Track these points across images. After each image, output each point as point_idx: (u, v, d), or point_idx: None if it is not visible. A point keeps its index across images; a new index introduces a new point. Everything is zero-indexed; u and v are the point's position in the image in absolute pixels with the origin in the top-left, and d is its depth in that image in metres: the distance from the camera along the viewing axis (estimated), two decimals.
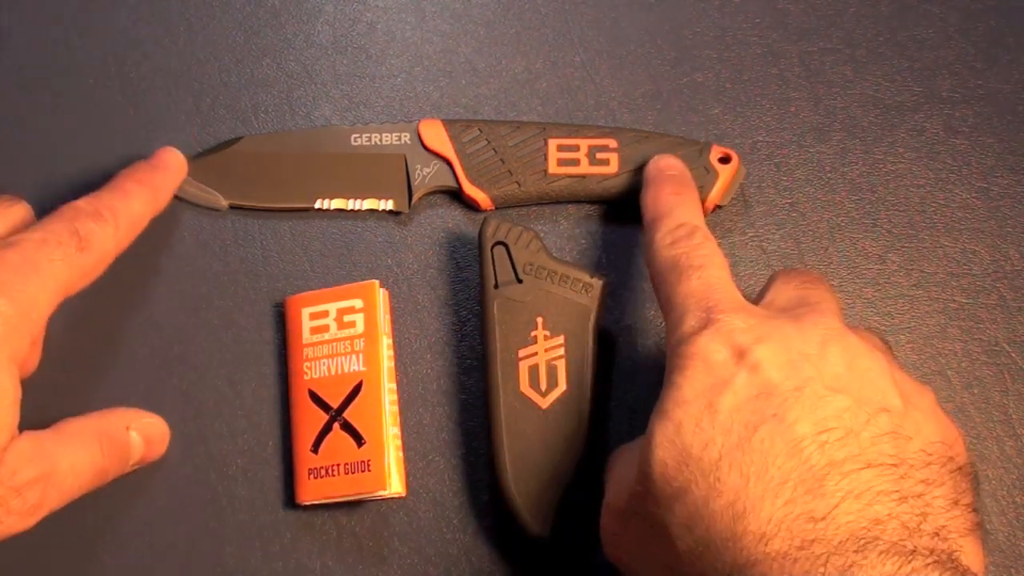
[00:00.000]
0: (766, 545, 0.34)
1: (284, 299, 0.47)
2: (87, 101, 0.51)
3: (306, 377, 0.45)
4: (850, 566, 0.32)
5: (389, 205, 0.48)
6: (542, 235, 0.47)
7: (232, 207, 0.49)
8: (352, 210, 0.49)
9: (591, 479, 0.44)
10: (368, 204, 0.49)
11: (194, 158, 0.49)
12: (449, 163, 0.48)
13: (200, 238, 0.49)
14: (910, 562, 0.32)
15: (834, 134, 0.50)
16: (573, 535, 0.44)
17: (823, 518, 0.34)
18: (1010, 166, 0.49)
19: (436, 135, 0.49)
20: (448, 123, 0.49)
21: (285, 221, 0.49)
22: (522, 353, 0.44)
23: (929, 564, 0.32)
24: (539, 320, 0.44)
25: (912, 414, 0.37)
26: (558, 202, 0.49)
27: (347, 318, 0.45)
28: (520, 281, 0.45)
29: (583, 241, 0.48)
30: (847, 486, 0.34)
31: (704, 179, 0.47)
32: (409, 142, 0.49)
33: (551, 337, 0.44)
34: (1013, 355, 0.46)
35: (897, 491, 0.34)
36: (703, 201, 0.47)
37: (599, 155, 0.48)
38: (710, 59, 0.51)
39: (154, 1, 0.52)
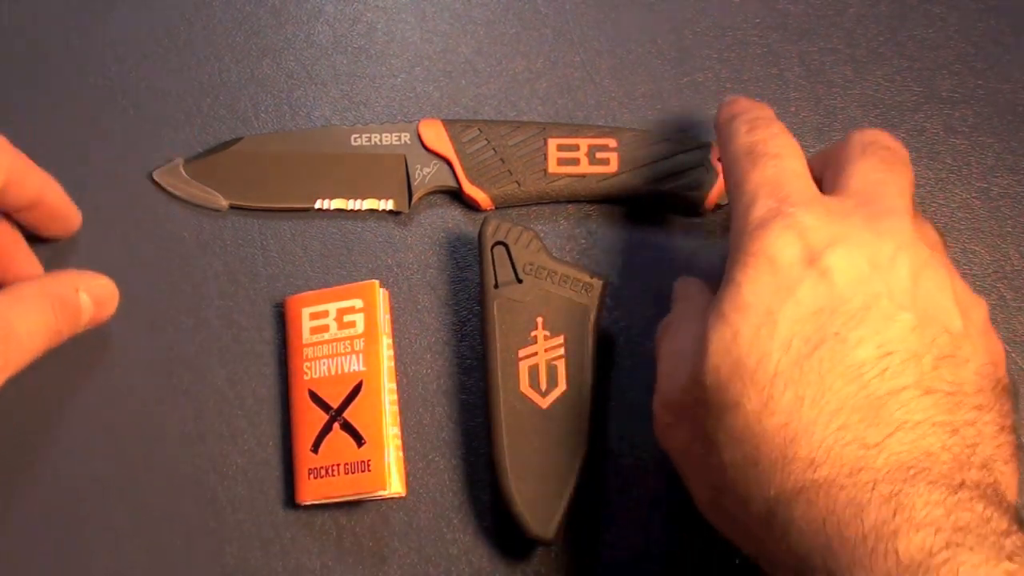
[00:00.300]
0: (814, 472, 0.33)
1: (284, 299, 0.47)
2: (87, 101, 0.51)
3: (306, 377, 0.45)
4: (896, 493, 0.32)
5: (389, 205, 0.48)
6: (542, 235, 0.47)
7: (232, 207, 0.49)
8: (352, 210, 0.49)
9: (591, 479, 0.44)
10: (368, 204, 0.49)
11: (194, 158, 0.49)
12: (449, 163, 0.48)
13: (200, 238, 0.49)
14: (956, 493, 0.32)
15: (834, 134, 0.50)
16: (573, 535, 0.44)
17: (875, 446, 0.33)
18: (1010, 166, 0.49)
19: (436, 135, 0.49)
20: (448, 123, 0.49)
21: (285, 221, 0.49)
22: (522, 353, 0.44)
23: (974, 497, 0.32)
24: (539, 320, 0.44)
25: (970, 334, 0.36)
26: (558, 202, 0.49)
27: (347, 318, 0.45)
28: (520, 281, 0.45)
29: (583, 241, 0.48)
30: (903, 416, 0.33)
31: (704, 179, 0.47)
32: (409, 142, 0.49)
33: (551, 337, 0.44)
34: (1013, 355, 0.46)
35: (951, 422, 0.34)
36: (703, 201, 0.47)
37: (599, 155, 0.48)
38: (710, 59, 0.51)
39: (154, 1, 0.52)
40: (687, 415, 0.37)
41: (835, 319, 0.35)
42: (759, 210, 0.37)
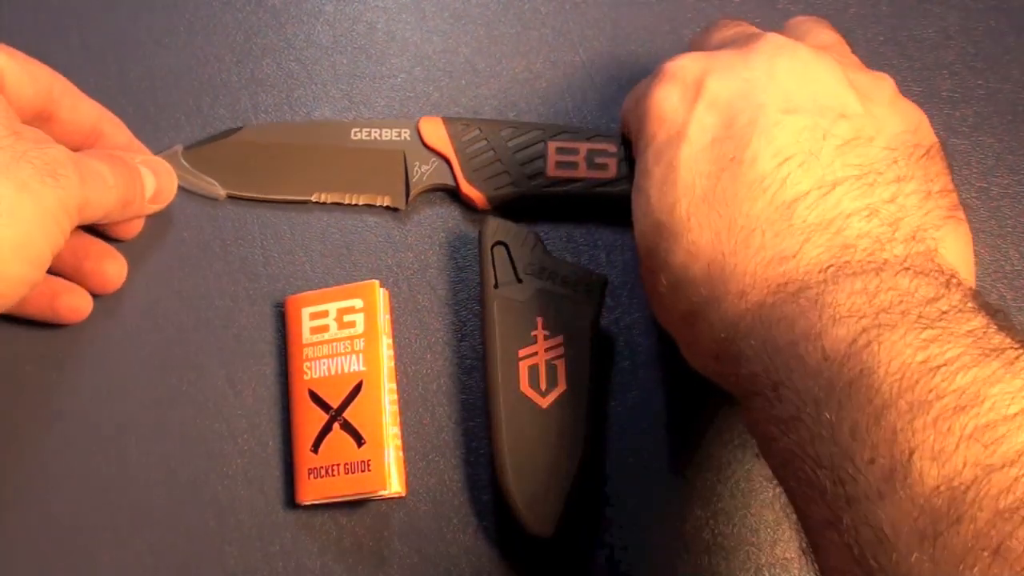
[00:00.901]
0: (745, 301, 0.34)
1: (284, 299, 0.47)
2: None
3: (306, 377, 0.45)
4: (820, 295, 0.32)
5: (386, 201, 0.49)
6: (542, 235, 0.47)
7: (230, 197, 0.49)
8: (349, 204, 0.49)
9: (591, 479, 0.44)
10: (365, 199, 0.49)
11: (194, 146, 0.49)
12: (448, 161, 0.48)
13: (200, 238, 0.49)
14: (879, 275, 0.32)
15: None
16: (573, 535, 0.44)
17: (793, 256, 0.33)
18: (1010, 166, 0.49)
19: (436, 133, 0.48)
20: (448, 121, 0.49)
21: (285, 221, 0.49)
22: (522, 353, 0.44)
23: (899, 272, 0.32)
24: (539, 320, 0.44)
25: (872, 111, 0.36)
26: (554, 204, 0.48)
27: (347, 318, 0.45)
28: (520, 281, 0.45)
29: (583, 241, 0.48)
30: (814, 217, 0.33)
31: None
32: (409, 138, 0.49)
33: (551, 337, 0.44)
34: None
35: (867, 206, 0.33)
36: None
37: (598, 160, 0.48)
38: None
39: (154, 1, 0.52)
40: (648, 283, 0.39)
41: (727, 144, 0.35)
42: (640, 88, 0.39)
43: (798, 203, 0.34)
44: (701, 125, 0.36)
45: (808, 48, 0.37)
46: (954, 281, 0.32)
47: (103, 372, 0.47)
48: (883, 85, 0.37)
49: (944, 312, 0.30)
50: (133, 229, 0.48)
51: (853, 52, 0.51)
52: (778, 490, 0.45)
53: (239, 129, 0.49)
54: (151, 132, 0.50)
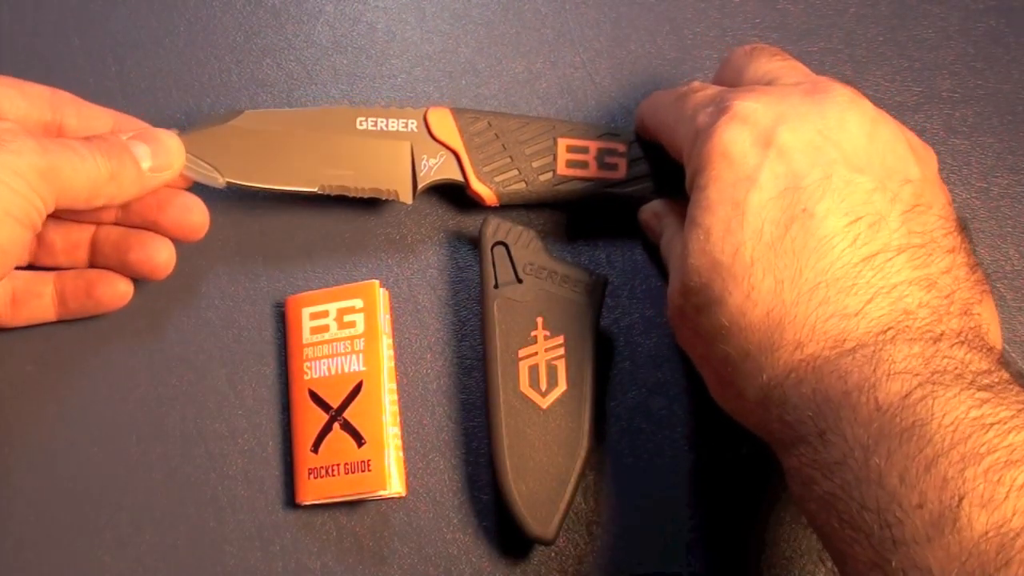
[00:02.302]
0: (801, 351, 0.34)
1: (284, 299, 0.47)
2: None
3: (306, 377, 0.45)
4: (877, 352, 0.32)
5: (393, 195, 0.47)
6: (542, 235, 0.47)
7: (229, 185, 0.46)
8: (354, 197, 0.47)
9: (591, 479, 0.44)
10: (371, 192, 0.47)
11: (192, 130, 0.46)
12: (456, 155, 0.47)
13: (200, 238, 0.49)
14: (935, 344, 0.33)
15: None
16: (573, 535, 0.44)
17: (855, 315, 0.34)
18: (1010, 166, 0.49)
19: (444, 124, 0.47)
20: (457, 112, 0.47)
21: (286, 221, 0.49)
22: (522, 353, 0.44)
23: (954, 345, 0.33)
24: (539, 320, 0.44)
25: (928, 178, 0.36)
26: (563, 203, 0.48)
27: (347, 318, 0.45)
28: (520, 281, 0.45)
29: (583, 242, 0.48)
30: (879, 280, 0.34)
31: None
32: (416, 129, 0.47)
33: (551, 337, 0.44)
34: (1013, 355, 0.46)
35: (927, 276, 0.34)
36: None
37: (608, 159, 0.47)
38: (710, 59, 0.51)
39: (154, 1, 0.52)
40: (688, 317, 0.38)
41: (800, 196, 0.35)
42: (702, 119, 0.38)
43: (865, 264, 0.34)
44: (773, 173, 0.36)
45: (872, 106, 0.37)
46: (1003, 360, 0.33)
47: (103, 372, 0.47)
48: (932, 156, 0.38)
49: (995, 383, 0.32)
50: (193, 228, 0.45)
51: (853, 53, 0.51)
52: (778, 490, 0.45)
53: (239, 113, 0.47)
54: None
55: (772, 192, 0.35)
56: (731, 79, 0.42)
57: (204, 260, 0.48)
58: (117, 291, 0.45)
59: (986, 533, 0.28)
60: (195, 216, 0.45)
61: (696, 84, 0.42)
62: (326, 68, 0.51)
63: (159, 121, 0.50)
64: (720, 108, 0.38)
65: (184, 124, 0.50)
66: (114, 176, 0.41)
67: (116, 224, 0.46)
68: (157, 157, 0.43)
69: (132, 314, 0.47)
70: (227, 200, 0.48)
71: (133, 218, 0.45)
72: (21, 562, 0.44)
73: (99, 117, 0.45)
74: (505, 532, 0.45)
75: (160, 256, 0.45)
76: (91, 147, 0.41)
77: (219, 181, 0.46)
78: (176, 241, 0.45)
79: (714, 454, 0.45)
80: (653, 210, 0.46)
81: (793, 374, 0.34)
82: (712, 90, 0.41)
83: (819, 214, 0.35)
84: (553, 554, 0.44)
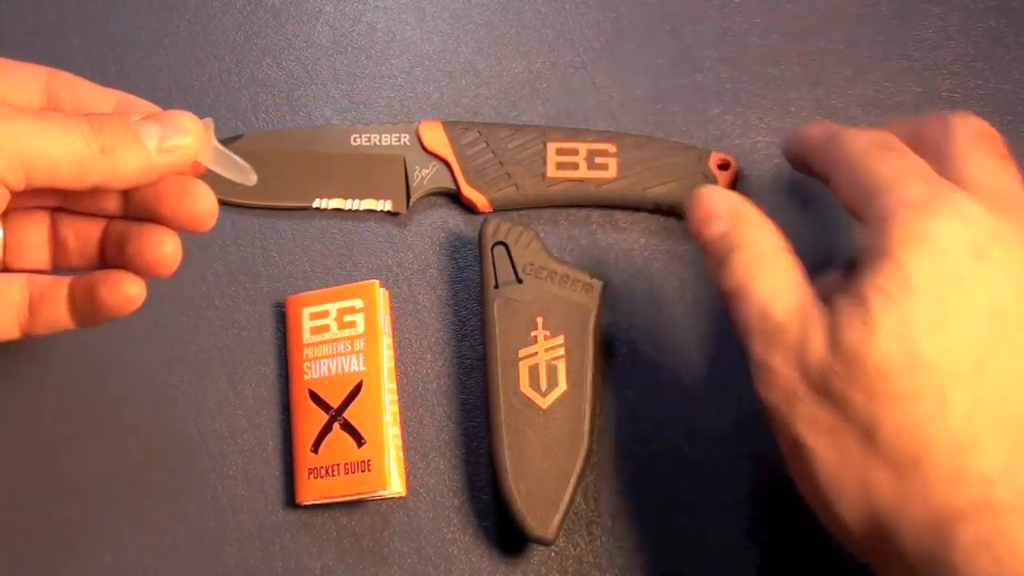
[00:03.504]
0: (990, 491, 0.30)
1: (284, 299, 0.47)
2: None
3: (306, 377, 0.45)
4: None
5: (387, 206, 0.48)
6: (542, 236, 0.47)
7: (229, 204, 0.48)
8: (350, 210, 0.49)
9: (591, 479, 0.44)
10: (366, 204, 0.49)
11: None
12: (448, 165, 0.48)
13: (200, 238, 0.48)
14: None
15: None
16: (573, 535, 0.44)
17: None
18: None
19: (435, 137, 0.49)
20: (448, 125, 0.49)
21: (285, 221, 0.49)
22: (522, 353, 0.44)
23: None
24: (539, 320, 0.44)
25: None
26: (556, 205, 0.49)
27: (347, 318, 0.45)
28: (520, 281, 0.45)
29: (583, 242, 0.48)
30: None
31: (703, 185, 0.47)
32: (408, 143, 0.49)
33: (551, 337, 0.44)
34: None
35: None
36: None
37: (598, 159, 0.48)
38: (710, 59, 0.51)
39: (154, 1, 0.52)
40: (820, 388, 0.33)
41: (1008, 324, 0.32)
42: (911, 190, 0.34)
43: None
44: (987, 288, 0.32)
45: None
46: None
47: (103, 372, 0.47)
48: None
49: None
50: (200, 217, 0.39)
51: (853, 53, 0.51)
52: (778, 490, 0.45)
53: (239, 136, 0.49)
54: None
55: (983, 307, 0.32)
56: (939, 151, 0.37)
57: (204, 260, 0.48)
58: (121, 293, 0.39)
59: None
60: (201, 203, 0.39)
61: (896, 141, 0.38)
62: (326, 68, 0.51)
63: None
64: (937, 192, 0.34)
65: None
66: (107, 151, 0.36)
67: (124, 217, 0.41)
68: (166, 135, 0.37)
69: (132, 314, 0.47)
70: (227, 201, 0.48)
71: (136, 209, 0.40)
72: (21, 562, 0.45)
73: (99, 97, 0.41)
74: (505, 532, 0.45)
75: (162, 248, 0.39)
76: (77, 121, 0.37)
77: (251, 178, 0.40)
78: (182, 232, 0.40)
79: (714, 454, 0.45)
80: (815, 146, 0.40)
81: (976, 515, 0.30)
82: (920, 162, 0.36)
83: None
84: (553, 554, 0.44)
